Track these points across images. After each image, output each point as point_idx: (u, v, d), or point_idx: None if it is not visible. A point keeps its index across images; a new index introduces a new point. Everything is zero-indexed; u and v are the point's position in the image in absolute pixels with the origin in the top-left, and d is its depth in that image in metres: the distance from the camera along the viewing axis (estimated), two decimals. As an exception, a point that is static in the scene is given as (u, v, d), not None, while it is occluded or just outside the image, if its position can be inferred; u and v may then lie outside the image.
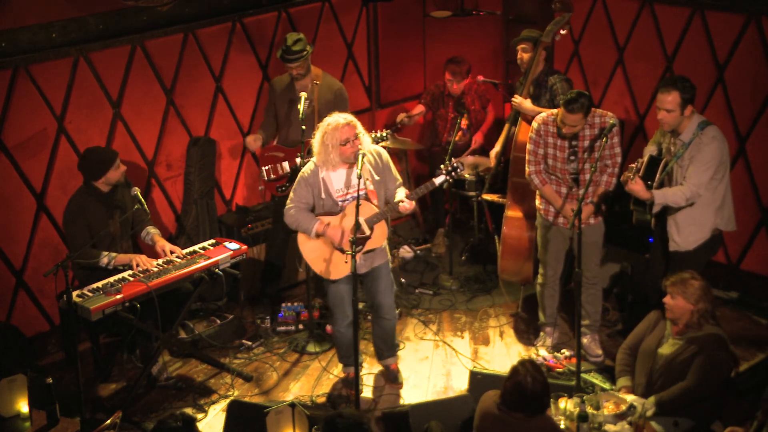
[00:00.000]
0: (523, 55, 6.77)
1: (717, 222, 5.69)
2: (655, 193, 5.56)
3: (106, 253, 5.81)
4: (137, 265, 5.75)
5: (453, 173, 5.64)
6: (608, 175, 5.91)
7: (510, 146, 6.76)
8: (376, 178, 5.58)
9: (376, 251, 5.66)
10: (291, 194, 5.65)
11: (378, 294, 5.83)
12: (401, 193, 5.62)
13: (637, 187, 5.52)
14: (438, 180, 5.63)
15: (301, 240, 5.70)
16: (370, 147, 5.64)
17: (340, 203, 5.59)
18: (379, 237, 5.57)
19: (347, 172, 5.57)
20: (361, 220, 5.43)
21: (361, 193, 5.45)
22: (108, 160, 5.85)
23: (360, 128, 5.53)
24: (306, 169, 5.61)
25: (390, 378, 6.15)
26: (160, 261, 5.87)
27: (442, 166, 5.65)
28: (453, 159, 5.63)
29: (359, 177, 5.34)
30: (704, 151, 5.50)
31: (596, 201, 5.88)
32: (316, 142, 5.55)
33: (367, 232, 5.48)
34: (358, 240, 5.40)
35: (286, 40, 6.55)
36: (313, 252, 5.69)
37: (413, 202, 5.55)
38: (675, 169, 5.65)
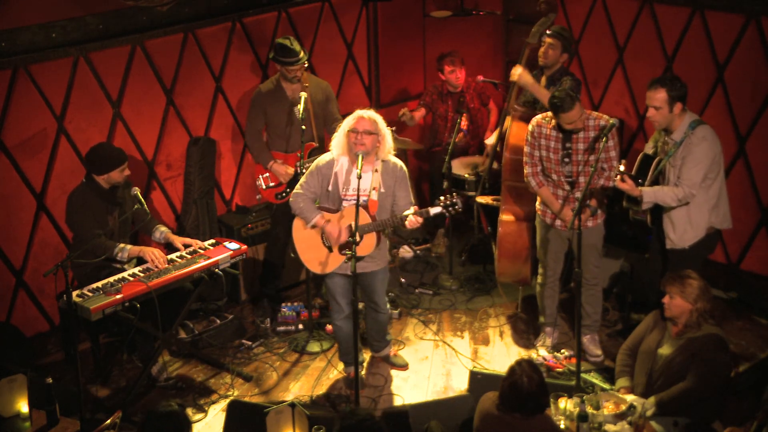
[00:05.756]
0: (550, 50, 6.59)
1: (712, 221, 5.70)
2: (645, 192, 5.58)
3: (122, 245, 5.83)
4: (152, 260, 5.76)
5: (450, 209, 5.50)
6: (605, 179, 5.89)
7: (503, 145, 6.74)
8: (382, 190, 5.60)
9: (366, 259, 5.66)
10: (302, 180, 5.72)
11: (373, 294, 5.94)
12: (411, 212, 5.57)
13: (626, 186, 5.53)
14: (433, 210, 5.50)
15: (296, 227, 5.77)
16: (389, 157, 5.65)
17: (344, 202, 5.62)
18: (367, 246, 5.59)
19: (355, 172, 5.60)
20: (352, 225, 5.41)
21: (362, 199, 5.46)
22: (117, 160, 5.88)
23: (381, 130, 5.53)
24: (322, 159, 5.68)
25: (392, 363, 6.26)
26: (173, 255, 5.89)
27: (441, 198, 5.53)
28: (454, 194, 5.57)
29: (359, 177, 5.36)
30: (695, 151, 5.51)
31: (593, 205, 5.87)
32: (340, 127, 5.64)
33: (357, 238, 5.46)
34: (348, 244, 5.45)
35: (284, 43, 6.52)
36: (304, 242, 5.76)
37: (420, 220, 5.50)
38: (667, 168, 5.66)
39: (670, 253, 5.79)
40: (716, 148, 5.59)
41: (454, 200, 5.52)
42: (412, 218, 5.49)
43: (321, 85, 6.82)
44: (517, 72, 6.60)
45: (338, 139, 5.62)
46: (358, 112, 5.57)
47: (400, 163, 5.70)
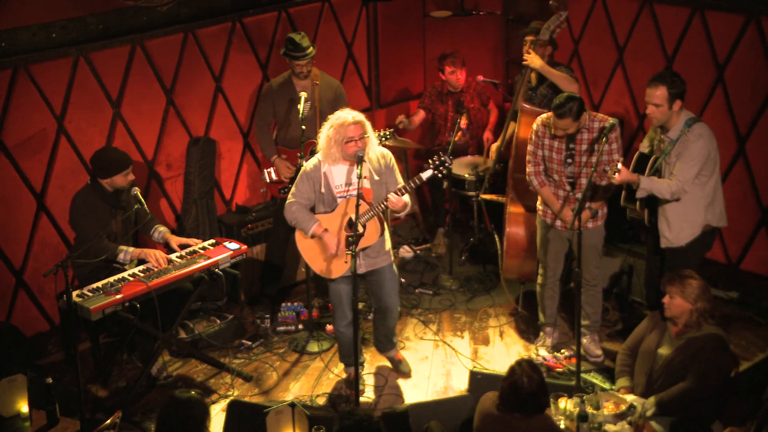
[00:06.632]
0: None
1: (708, 218, 5.71)
2: (642, 178, 5.59)
3: (124, 247, 5.83)
4: (153, 261, 5.76)
5: (441, 167, 5.56)
6: (606, 181, 5.89)
7: (510, 144, 6.76)
8: (375, 178, 5.61)
9: (372, 251, 5.66)
10: (293, 188, 5.69)
11: (383, 295, 5.87)
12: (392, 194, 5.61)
13: (622, 175, 5.51)
14: (425, 174, 5.57)
15: (299, 238, 5.74)
16: (376, 149, 5.65)
17: (338, 199, 5.62)
18: (372, 234, 5.59)
19: (348, 170, 5.60)
20: (353, 218, 5.44)
21: (356, 192, 5.45)
22: (121, 164, 5.86)
23: (369, 129, 5.55)
24: (308, 164, 5.66)
25: (396, 367, 6.23)
26: (174, 255, 5.90)
27: (429, 160, 5.60)
28: (440, 153, 5.60)
29: (359, 177, 5.37)
30: (690, 148, 5.53)
31: (594, 207, 5.87)
32: (322, 134, 5.59)
33: (360, 229, 5.50)
34: (353, 239, 5.43)
35: (293, 37, 6.59)
36: (310, 250, 5.72)
37: (402, 198, 5.53)
38: (663, 166, 5.67)
39: (667, 252, 5.80)
40: (712, 146, 5.60)
41: (443, 158, 5.55)
42: (392, 197, 5.50)
43: (332, 84, 6.87)
44: (529, 56, 6.67)
45: (330, 151, 5.53)
46: (345, 120, 5.48)
47: (385, 150, 5.72)
